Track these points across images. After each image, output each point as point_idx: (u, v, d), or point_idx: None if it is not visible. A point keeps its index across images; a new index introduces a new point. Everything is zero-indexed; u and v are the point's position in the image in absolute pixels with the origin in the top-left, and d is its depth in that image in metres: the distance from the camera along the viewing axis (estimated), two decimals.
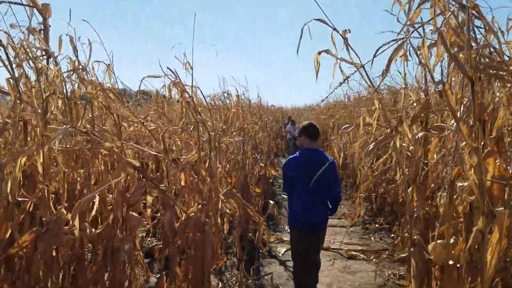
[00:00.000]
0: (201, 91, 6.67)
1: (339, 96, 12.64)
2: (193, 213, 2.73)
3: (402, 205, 5.27)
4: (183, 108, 4.02)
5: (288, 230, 4.54)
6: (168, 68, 2.84)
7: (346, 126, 6.43)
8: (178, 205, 2.68)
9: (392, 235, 5.98)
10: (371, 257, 5.15)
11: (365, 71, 2.15)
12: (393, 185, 6.10)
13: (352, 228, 6.56)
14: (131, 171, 2.38)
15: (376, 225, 6.61)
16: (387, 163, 5.11)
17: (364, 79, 2.25)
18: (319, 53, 2.17)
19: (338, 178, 3.78)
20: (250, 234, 5.28)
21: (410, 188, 3.12)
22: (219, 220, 3.25)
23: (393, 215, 6.51)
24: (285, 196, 9.67)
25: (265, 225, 3.66)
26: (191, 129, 3.94)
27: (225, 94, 7.81)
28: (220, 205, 3.13)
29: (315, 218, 3.55)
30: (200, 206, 2.80)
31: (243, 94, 7.91)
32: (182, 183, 2.88)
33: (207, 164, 3.06)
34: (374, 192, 7.17)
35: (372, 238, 6.04)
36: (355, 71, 2.11)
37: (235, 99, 7.14)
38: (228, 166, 5.71)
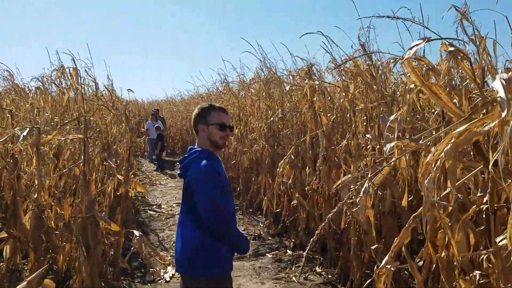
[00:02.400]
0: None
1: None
2: None
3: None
4: None
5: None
6: None
7: None
8: None
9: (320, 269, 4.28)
10: None
11: None
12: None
13: (260, 262, 4.61)
14: None
15: (290, 252, 4.84)
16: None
17: None
18: None
19: (205, 191, 2.09)
20: None
21: None
22: None
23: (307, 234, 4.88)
24: (153, 212, 7.30)
25: None
26: None
27: (59, 73, 4.90)
28: None
29: (176, 254, 2.23)
30: None
31: (86, 72, 5.11)
32: None
33: None
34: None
35: (293, 276, 4.20)
36: None
37: (73, 76, 4.35)
38: (61, 183, 3.05)
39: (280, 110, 5.43)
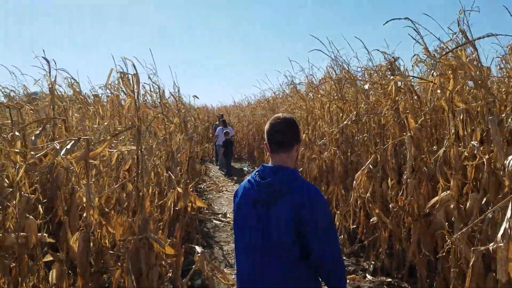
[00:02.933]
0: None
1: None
2: None
3: None
4: None
5: None
6: None
7: None
8: None
9: None
10: None
11: None
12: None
13: None
14: None
15: (370, 277, 4.16)
16: None
17: None
18: None
19: (331, 228, 1.75)
20: None
21: None
22: None
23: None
24: (219, 222, 7.05)
25: None
26: None
27: (121, 80, 4.81)
28: None
29: None
30: None
31: (150, 78, 4.98)
32: None
33: None
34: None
35: None
36: None
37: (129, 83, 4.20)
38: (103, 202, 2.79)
39: (354, 112, 4.77)
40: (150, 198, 3.21)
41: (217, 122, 14.14)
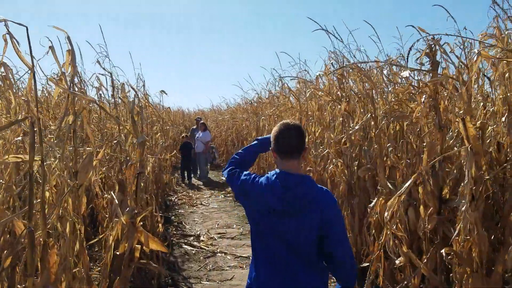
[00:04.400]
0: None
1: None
2: None
3: None
4: None
5: None
6: None
7: None
8: None
9: None
10: None
11: None
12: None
13: None
14: None
15: None
16: None
17: None
18: None
19: (345, 230, 1.87)
20: None
21: None
22: None
23: None
24: (190, 248, 5.61)
25: None
26: None
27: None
28: None
29: None
30: None
31: (99, 63, 3.76)
32: None
33: None
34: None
35: None
36: None
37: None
38: None
39: (368, 115, 3.65)
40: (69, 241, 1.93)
41: (194, 126, 12.76)
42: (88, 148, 2.94)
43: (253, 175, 1.89)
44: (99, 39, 6.32)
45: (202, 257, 5.15)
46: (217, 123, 16.44)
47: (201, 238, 5.99)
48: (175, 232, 6.27)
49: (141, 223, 4.27)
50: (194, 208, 8.24)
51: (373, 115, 3.62)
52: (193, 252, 5.36)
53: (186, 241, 5.82)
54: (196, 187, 10.66)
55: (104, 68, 3.96)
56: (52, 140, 2.12)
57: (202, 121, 12.00)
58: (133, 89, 5.07)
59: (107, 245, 2.45)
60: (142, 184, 3.80)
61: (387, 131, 3.56)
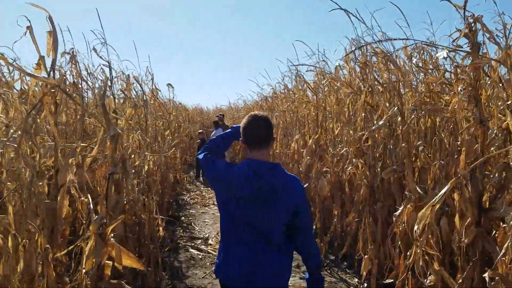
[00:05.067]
0: None
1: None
2: None
3: None
4: None
5: None
6: None
7: None
8: None
9: None
10: None
11: None
12: None
13: None
14: None
15: None
16: None
17: None
18: None
19: (310, 219, 2.01)
20: None
21: None
22: None
23: None
24: (196, 252, 5.26)
25: None
26: None
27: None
28: None
29: (261, 281, 1.84)
30: None
31: (95, 50, 3.41)
32: None
33: None
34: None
35: None
36: None
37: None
38: None
39: (395, 108, 3.16)
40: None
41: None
42: (70, 144, 2.60)
43: (228, 163, 1.95)
44: (119, 32, 6.01)
45: (208, 263, 4.77)
46: (234, 121, 16.14)
47: (209, 241, 5.61)
48: (182, 234, 5.92)
49: (137, 227, 3.93)
50: (206, 208, 7.89)
51: (400, 109, 3.12)
52: (200, 257, 4.98)
53: (193, 244, 5.46)
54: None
55: (101, 57, 3.60)
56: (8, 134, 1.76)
57: (215, 120, 11.73)
58: (136, 80, 4.75)
59: (82, 259, 2.09)
60: (135, 185, 3.44)
61: (417, 127, 3.05)
